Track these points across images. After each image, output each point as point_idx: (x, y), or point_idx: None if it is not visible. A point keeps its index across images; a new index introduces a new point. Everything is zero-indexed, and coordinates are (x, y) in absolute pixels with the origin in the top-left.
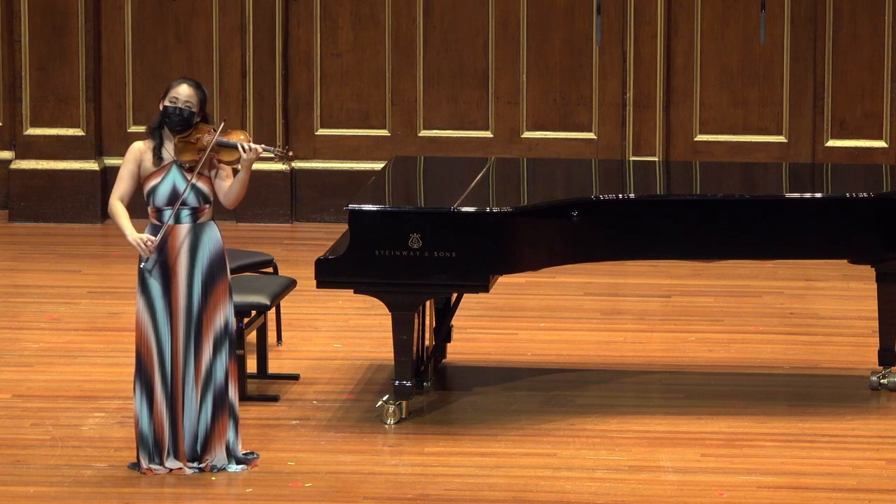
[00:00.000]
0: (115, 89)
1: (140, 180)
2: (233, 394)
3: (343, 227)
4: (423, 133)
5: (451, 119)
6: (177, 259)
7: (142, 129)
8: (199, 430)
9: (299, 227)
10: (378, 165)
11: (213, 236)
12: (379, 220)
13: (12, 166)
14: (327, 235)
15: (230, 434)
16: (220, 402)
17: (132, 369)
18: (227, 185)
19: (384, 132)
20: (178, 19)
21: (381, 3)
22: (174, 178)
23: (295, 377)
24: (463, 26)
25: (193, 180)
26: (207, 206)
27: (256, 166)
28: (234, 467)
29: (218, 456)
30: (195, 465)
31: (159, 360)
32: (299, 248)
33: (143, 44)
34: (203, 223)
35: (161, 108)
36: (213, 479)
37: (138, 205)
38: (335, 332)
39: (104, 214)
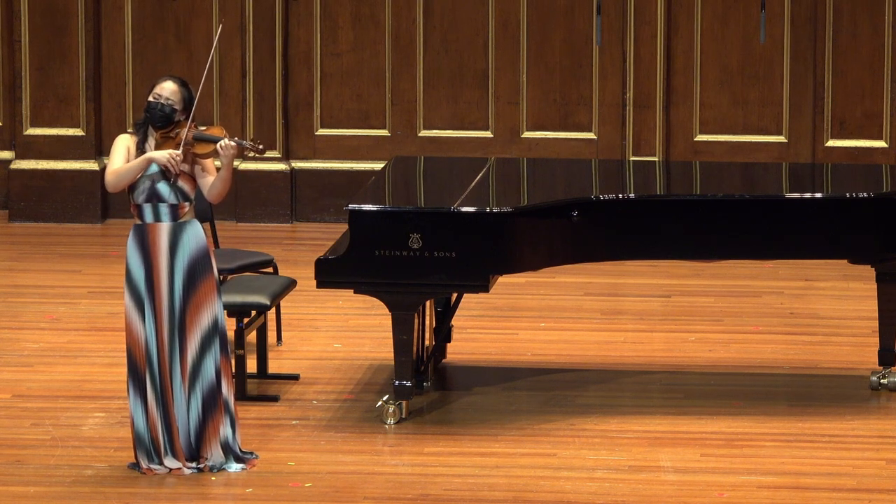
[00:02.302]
0: (115, 89)
1: None
2: (227, 392)
3: (343, 227)
4: (423, 133)
5: (451, 119)
6: (158, 258)
7: None
8: (190, 430)
9: (299, 227)
10: (378, 165)
11: (194, 234)
12: (379, 220)
13: (12, 166)
14: (327, 235)
15: (227, 432)
16: (212, 400)
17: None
18: (210, 181)
19: (384, 132)
20: (178, 19)
21: (381, 3)
22: (152, 175)
23: (295, 377)
24: (463, 26)
25: (172, 179)
26: (188, 203)
27: (257, 166)
28: (233, 466)
29: (214, 455)
30: (193, 465)
31: (148, 360)
32: (299, 248)
33: (143, 44)
34: (184, 222)
35: (146, 103)
36: (213, 479)
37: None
38: (335, 332)
39: (104, 214)
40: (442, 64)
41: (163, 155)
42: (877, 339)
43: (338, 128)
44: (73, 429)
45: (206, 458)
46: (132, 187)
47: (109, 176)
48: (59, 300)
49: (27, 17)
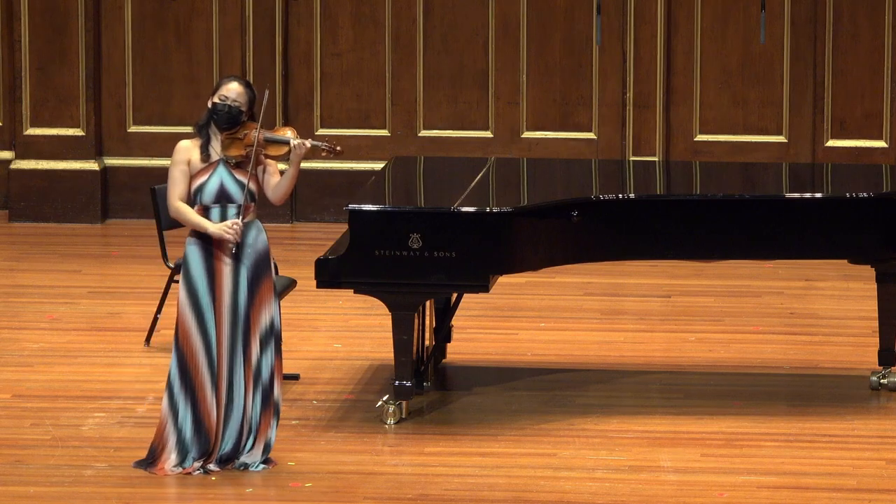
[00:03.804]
0: (115, 89)
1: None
2: (278, 392)
3: (343, 227)
4: (423, 133)
5: (451, 119)
6: (222, 258)
7: (142, 129)
8: (247, 429)
9: (299, 227)
10: (378, 165)
11: (259, 234)
12: (379, 220)
13: (12, 166)
14: (327, 235)
15: (272, 433)
16: (266, 400)
17: (133, 369)
18: (276, 181)
19: (384, 132)
20: (178, 19)
21: (381, 3)
22: (221, 176)
23: (295, 377)
24: (463, 26)
25: (244, 179)
26: (253, 204)
27: None
28: (260, 466)
29: (255, 454)
30: (213, 466)
31: (207, 360)
32: (299, 248)
33: (143, 44)
34: (249, 222)
35: (210, 104)
36: (213, 479)
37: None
38: (335, 332)
39: (104, 214)
40: (442, 64)
41: (218, 230)
42: (877, 339)
43: (338, 128)
44: (73, 429)
45: (244, 457)
46: (199, 189)
47: (172, 210)
48: (59, 300)
49: (27, 17)
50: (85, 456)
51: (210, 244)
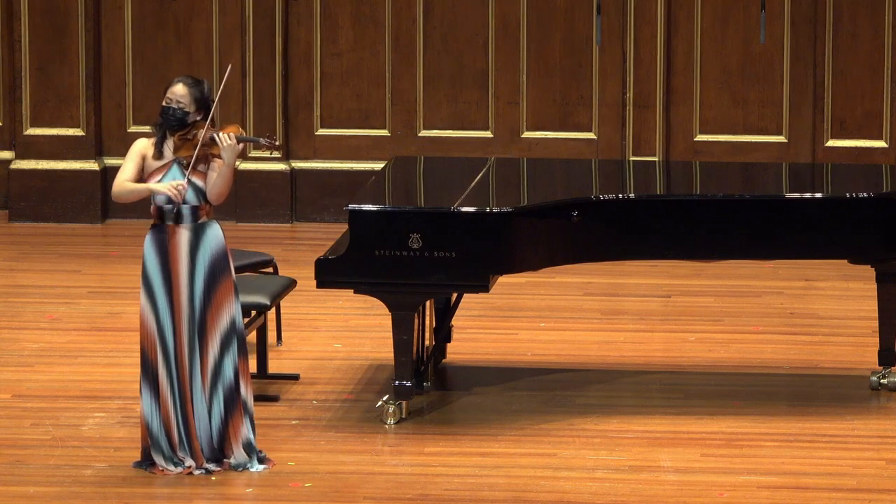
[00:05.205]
0: (115, 89)
1: (143, 176)
2: (245, 393)
3: (343, 227)
4: (423, 133)
5: (451, 119)
6: (178, 259)
7: (142, 129)
8: (213, 431)
9: (299, 227)
10: (378, 165)
11: (214, 235)
12: (379, 220)
13: (12, 166)
14: (327, 235)
15: (248, 433)
16: (232, 401)
17: (133, 369)
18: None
19: (384, 132)
20: (178, 19)
21: (381, 3)
22: (175, 176)
23: (295, 377)
24: (463, 26)
25: (189, 175)
26: (208, 205)
27: (257, 166)
28: (257, 466)
29: (237, 455)
30: (212, 465)
31: (165, 360)
32: (299, 248)
33: (143, 44)
34: (204, 222)
35: (160, 107)
36: (213, 479)
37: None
38: (335, 332)
39: (104, 214)
40: (442, 64)
41: (163, 187)
42: (877, 339)
43: (338, 128)
44: (73, 429)
45: (230, 459)
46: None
47: (116, 187)
48: (59, 300)
49: (27, 17)
50: (85, 456)
51: (167, 244)
